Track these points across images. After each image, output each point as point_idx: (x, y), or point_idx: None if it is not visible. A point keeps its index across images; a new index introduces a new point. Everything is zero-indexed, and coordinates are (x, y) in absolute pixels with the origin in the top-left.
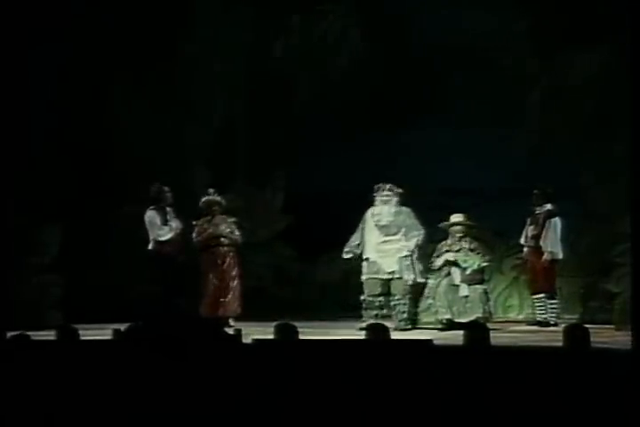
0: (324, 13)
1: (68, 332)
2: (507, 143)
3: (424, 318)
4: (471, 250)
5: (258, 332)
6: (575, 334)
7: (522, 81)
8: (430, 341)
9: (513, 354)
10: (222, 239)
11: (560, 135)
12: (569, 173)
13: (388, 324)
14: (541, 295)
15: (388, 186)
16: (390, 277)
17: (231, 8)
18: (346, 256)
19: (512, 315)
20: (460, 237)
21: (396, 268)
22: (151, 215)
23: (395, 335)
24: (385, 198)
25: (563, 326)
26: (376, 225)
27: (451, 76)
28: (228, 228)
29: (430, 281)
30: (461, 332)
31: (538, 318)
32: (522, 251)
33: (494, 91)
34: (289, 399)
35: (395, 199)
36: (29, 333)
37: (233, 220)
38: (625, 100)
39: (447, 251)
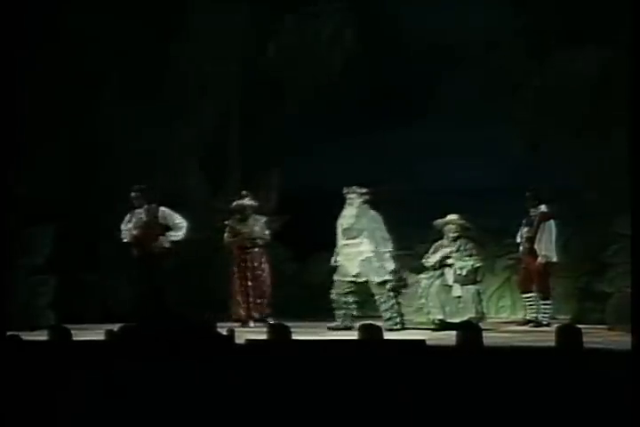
0: (317, 13)
1: (61, 332)
2: (502, 143)
3: (416, 318)
4: (466, 251)
5: (251, 332)
6: (568, 334)
7: (518, 80)
8: (423, 341)
9: (505, 354)
10: (257, 241)
11: (555, 135)
12: (563, 173)
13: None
14: (532, 294)
15: (352, 187)
16: (354, 279)
17: (223, 8)
18: (333, 260)
19: (505, 315)
20: (455, 238)
21: (358, 271)
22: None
23: (387, 336)
24: (349, 201)
25: (555, 326)
26: (340, 228)
27: (446, 75)
28: (260, 229)
29: (423, 281)
30: (454, 332)
31: (527, 317)
32: (515, 251)
33: (490, 90)
34: (282, 400)
35: (358, 201)
36: (22, 333)
37: (264, 219)
38: (621, 100)
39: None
